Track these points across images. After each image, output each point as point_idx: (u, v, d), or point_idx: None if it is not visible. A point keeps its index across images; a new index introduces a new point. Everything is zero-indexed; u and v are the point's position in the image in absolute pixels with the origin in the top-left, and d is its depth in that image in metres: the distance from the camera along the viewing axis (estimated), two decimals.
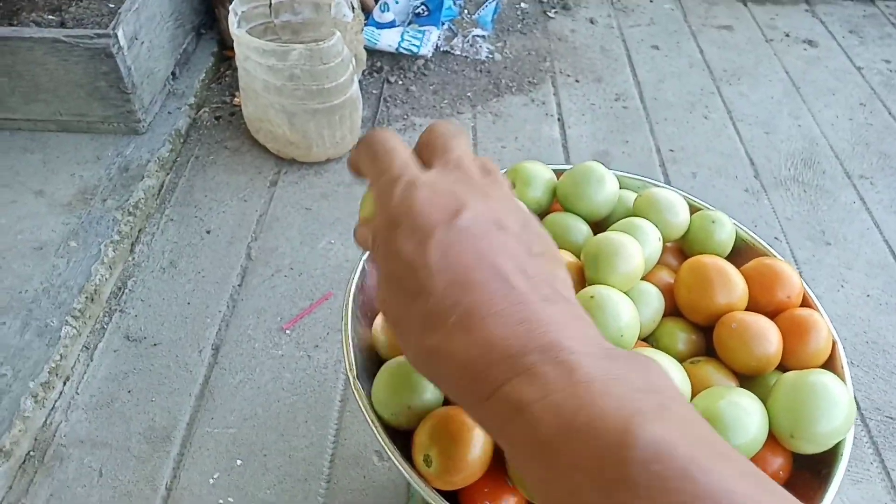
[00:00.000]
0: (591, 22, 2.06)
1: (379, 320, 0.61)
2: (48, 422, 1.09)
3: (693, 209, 0.68)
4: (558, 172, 0.71)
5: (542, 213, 0.69)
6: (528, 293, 0.31)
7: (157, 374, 1.16)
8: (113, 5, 1.58)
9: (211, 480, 1.03)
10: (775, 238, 1.42)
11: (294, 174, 1.51)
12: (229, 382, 1.15)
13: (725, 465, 0.25)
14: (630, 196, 0.69)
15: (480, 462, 0.48)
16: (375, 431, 0.50)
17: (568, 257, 0.60)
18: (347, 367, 0.55)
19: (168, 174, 1.50)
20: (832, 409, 0.50)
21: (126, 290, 1.28)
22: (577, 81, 1.82)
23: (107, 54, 1.37)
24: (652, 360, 0.30)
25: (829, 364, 0.58)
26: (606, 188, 0.67)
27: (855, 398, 1.11)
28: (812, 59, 1.95)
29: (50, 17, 1.56)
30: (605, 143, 1.62)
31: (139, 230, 1.38)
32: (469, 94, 1.76)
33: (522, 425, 0.27)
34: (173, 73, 1.66)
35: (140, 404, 1.12)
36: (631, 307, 0.55)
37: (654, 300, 0.59)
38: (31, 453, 1.05)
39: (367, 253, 0.65)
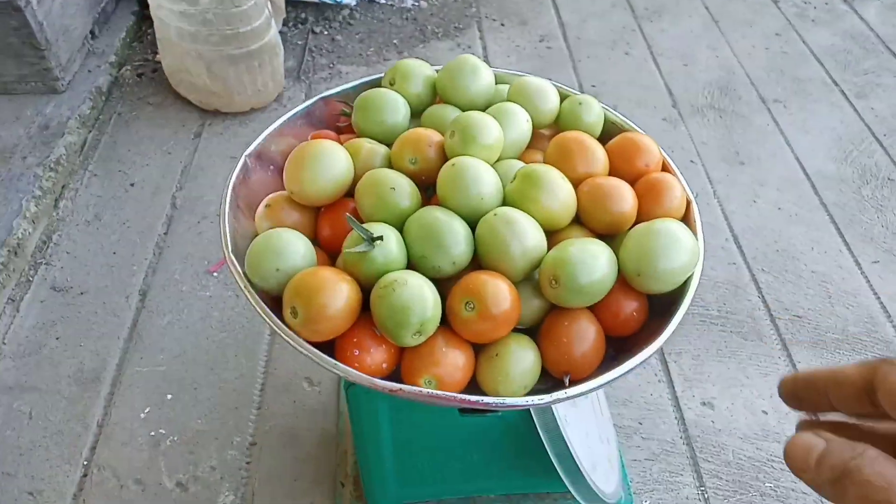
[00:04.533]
0: None
1: (261, 209, 0.63)
2: None
3: (564, 96, 0.71)
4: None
5: (423, 107, 0.72)
6: None
7: (85, 320, 1.16)
8: None
9: (142, 415, 1.05)
10: (690, 161, 1.47)
11: (218, 125, 1.51)
12: (157, 324, 1.16)
13: None
14: (507, 89, 0.72)
15: (345, 312, 0.51)
16: (246, 293, 0.53)
17: (437, 137, 0.62)
18: (224, 244, 0.57)
19: (90, 131, 1.49)
20: (674, 247, 0.54)
21: (51, 244, 1.28)
22: (502, 25, 1.84)
23: (14, 8, 1.35)
24: None
25: (685, 220, 0.62)
26: (481, 78, 0.69)
27: (763, 299, 1.17)
28: None
29: None
30: None
31: (62, 186, 1.37)
32: (395, 41, 1.77)
33: None
34: (92, 32, 1.63)
35: (69, 349, 1.12)
36: (491, 174, 0.58)
37: None
38: None
39: (250, 148, 0.67)
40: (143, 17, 1.77)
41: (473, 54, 1.73)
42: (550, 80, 0.73)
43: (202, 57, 1.39)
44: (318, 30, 1.77)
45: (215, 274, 1.23)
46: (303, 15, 1.79)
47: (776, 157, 1.49)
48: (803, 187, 1.43)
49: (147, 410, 1.04)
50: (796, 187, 1.43)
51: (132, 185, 1.38)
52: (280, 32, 1.70)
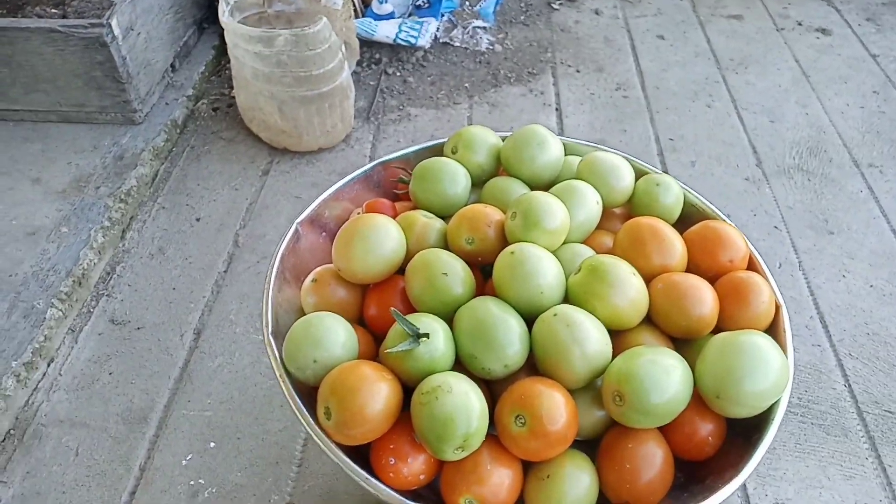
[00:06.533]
0: (597, 13, 2.03)
1: (307, 282, 0.60)
2: (30, 401, 1.10)
3: (640, 174, 0.66)
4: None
5: (485, 178, 0.67)
6: None
7: (139, 356, 1.16)
8: None
9: (184, 462, 1.03)
10: (775, 227, 1.37)
11: (286, 163, 1.52)
12: (208, 366, 1.15)
13: None
14: (578, 162, 0.67)
15: (383, 416, 0.46)
16: (281, 384, 0.49)
17: (497, 216, 0.58)
18: (264, 324, 0.54)
19: (163, 163, 1.52)
20: (761, 368, 0.47)
21: (114, 275, 1.29)
22: (577, 72, 1.80)
23: (101, 44, 1.39)
24: None
25: (772, 329, 0.55)
26: (549, 152, 0.65)
27: (850, 389, 1.06)
28: (824, 47, 1.89)
29: (53, 10, 1.59)
30: (603, 133, 1.59)
31: (131, 217, 1.40)
32: (467, 84, 1.75)
33: None
34: (172, 65, 1.68)
35: (120, 386, 1.12)
36: (554, 265, 0.53)
37: None
38: (11, 432, 1.07)
39: (302, 215, 0.65)
40: (223, 52, 1.81)
41: (546, 100, 1.69)
42: (625, 155, 0.67)
43: (274, 97, 1.40)
44: (391, 71, 1.77)
45: None
46: (377, 55, 1.80)
47: (869, 227, 1.38)
48: None
49: (189, 457, 1.03)
50: (892, 262, 1.31)
51: (198, 219, 1.39)
52: (353, 73, 1.71)
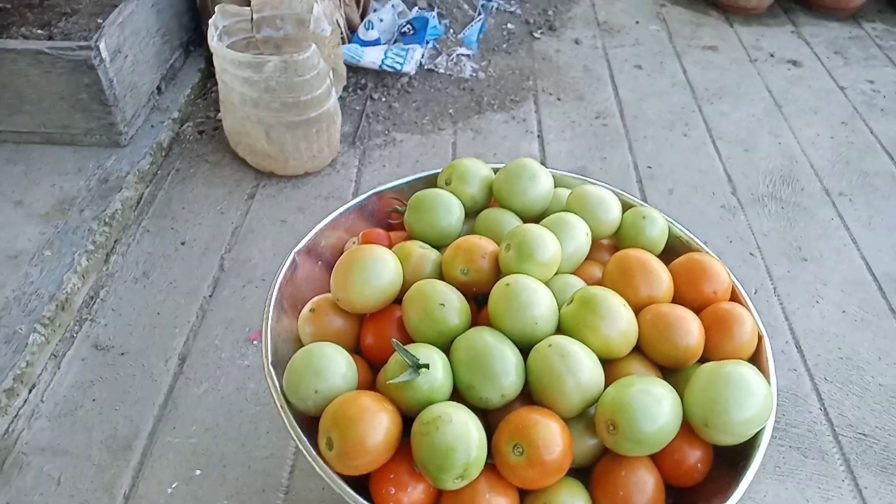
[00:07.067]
0: (577, 42, 2.08)
1: (305, 311, 0.61)
2: (10, 429, 1.09)
3: (627, 206, 0.68)
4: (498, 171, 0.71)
5: (478, 209, 0.69)
6: None
7: (123, 383, 1.16)
8: (101, 21, 1.61)
9: (169, 490, 1.02)
10: (750, 254, 1.41)
11: (272, 187, 1.52)
12: (193, 392, 1.14)
13: None
14: (567, 194, 0.69)
15: (384, 447, 0.48)
16: (282, 414, 0.50)
17: (491, 247, 0.60)
18: (263, 353, 0.55)
19: (147, 186, 1.52)
20: (747, 398, 0.49)
21: (98, 300, 1.28)
22: (558, 100, 1.84)
23: (88, 66, 1.40)
24: None
25: (755, 358, 0.57)
26: (540, 185, 0.67)
27: (826, 412, 1.09)
28: (795, 78, 1.96)
29: (39, 31, 1.59)
30: (583, 160, 1.62)
31: (115, 241, 1.39)
32: (451, 110, 1.78)
33: None
34: (159, 88, 1.68)
35: (104, 413, 1.11)
36: (547, 296, 0.55)
37: None
38: None
39: (299, 245, 0.66)
40: (209, 74, 1.82)
41: (528, 127, 1.73)
42: (612, 188, 0.70)
43: (262, 122, 1.41)
44: (376, 96, 1.79)
45: (255, 342, 1.21)
46: (363, 81, 1.82)
47: (840, 254, 1.42)
48: (870, 289, 1.35)
49: (175, 485, 1.02)
50: (862, 289, 1.35)
51: (183, 243, 1.39)
52: (339, 98, 1.73)
